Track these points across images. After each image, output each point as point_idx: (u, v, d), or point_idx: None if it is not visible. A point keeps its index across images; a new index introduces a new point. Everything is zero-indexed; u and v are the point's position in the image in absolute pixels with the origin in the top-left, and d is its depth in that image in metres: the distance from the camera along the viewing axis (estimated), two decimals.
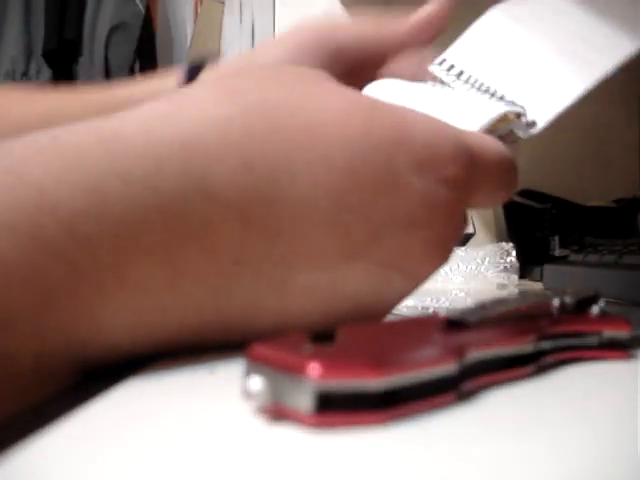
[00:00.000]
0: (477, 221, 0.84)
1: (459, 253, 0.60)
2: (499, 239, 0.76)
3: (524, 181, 0.87)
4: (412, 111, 0.22)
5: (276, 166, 0.19)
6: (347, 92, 0.21)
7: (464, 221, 0.23)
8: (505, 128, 0.25)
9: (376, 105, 0.21)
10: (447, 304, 0.42)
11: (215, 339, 0.20)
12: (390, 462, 0.11)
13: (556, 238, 0.59)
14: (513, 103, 0.26)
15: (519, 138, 0.25)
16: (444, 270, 0.57)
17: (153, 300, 0.18)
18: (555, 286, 0.51)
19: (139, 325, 0.18)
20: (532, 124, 0.26)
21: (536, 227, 0.75)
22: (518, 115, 0.26)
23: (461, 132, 0.22)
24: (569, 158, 0.90)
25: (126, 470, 0.11)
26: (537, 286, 0.55)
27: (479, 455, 0.12)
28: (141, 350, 0.18)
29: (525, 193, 0.82)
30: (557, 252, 0.61)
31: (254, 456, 0.12)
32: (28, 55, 1.50)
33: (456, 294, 0.51)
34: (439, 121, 0.22)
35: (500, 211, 0.80)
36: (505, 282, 0.58)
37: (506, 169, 0.23)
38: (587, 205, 0.77)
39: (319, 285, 0.20)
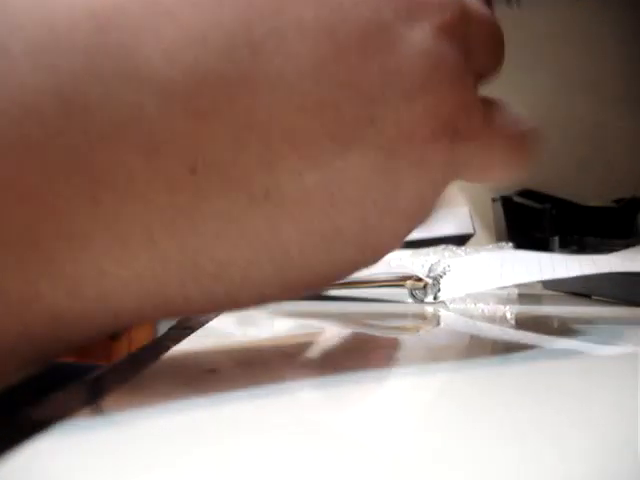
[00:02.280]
0: (477, 221, 0.84)
1: (458, 253, 0.59)
2: (499, 239, 0.76)
3: (524, 181, 0.88)
4: None
5: (231, 37, 0.14)
6: None
7: (474, 95, 0.18)
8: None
9: None
10: (447, 304, 0.42)
11: (185, 306, 0.16)
12: (388, 467, 0.11)
13: (556, 238, 0.59)
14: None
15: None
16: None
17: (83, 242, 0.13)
18: (555, 286, 0.51)
19: (80, 286, 0.14)
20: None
21: (536, 227, 0.75)
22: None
23: None
24: (569, 158, 0.90)
25: (125, 468, 0.11)
26: (537, 286, 0.55)
27: (478, 456, 0.12)
28: (98, 329, 0.15)
29: (525, 193, 0.83)
30: (557, 252, 0.61)
31: (254, 455, 0.12)
32: None
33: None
34: None
35: (500, 211, 0.80)
36: None
37: (498, 34, 0.20)
38: (587, 205, 0.77)
39: (312, 196, 0.15)
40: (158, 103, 0.14)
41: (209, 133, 0.14)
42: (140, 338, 1.78)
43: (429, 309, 0.38)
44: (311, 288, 0.18)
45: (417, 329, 0.31)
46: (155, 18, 0.14)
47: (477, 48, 0.18)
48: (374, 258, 0.18)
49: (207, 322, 0.29)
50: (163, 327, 0.27)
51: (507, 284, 0.38)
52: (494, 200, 0.83)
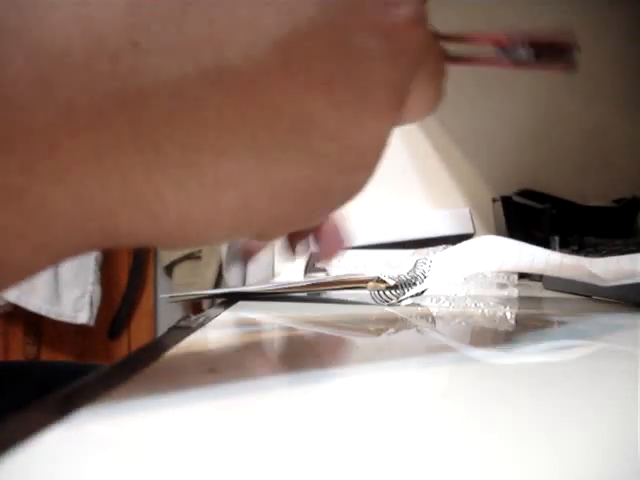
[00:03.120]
0: (477, 221, 0.84)
1: None
2: None
3: (524, 181, 0.88)
4: None
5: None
6: None
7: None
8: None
9: None
10: (447, 304, 0.42)
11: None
12: (391, 463, 0.11)
13: (556, 238, 0.59)
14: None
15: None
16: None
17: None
18: (555, 286, 0.51)
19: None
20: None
21: (536, 227, 0.75)
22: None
23: None
24: (569, 158, 0.90)
25: (122, 471, 0.11)
26: (537, 286, 0.55)
27: (478, 455, 0.12)
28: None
29: (525, 193, 0.83)
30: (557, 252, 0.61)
31: (255, 455, 0.12)
32: None
33: (456, 294, 0.51)
34: None
35: (500, 211, 0.80)
36: (505, 282, 0.58)
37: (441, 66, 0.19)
38: (587, 205, 0.77)
39: (271, 71, 0.15)
40: None
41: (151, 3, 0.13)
42: (140, 338, 1.78)
43: (396, 310, 0.38)
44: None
45: (379, 332, 0.31)
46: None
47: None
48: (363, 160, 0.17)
49: (207, 322, 0.29)
50: (163, 327, 0.27)
51: (485, 270, 0.39)
52: (494, 200, 0.83)
